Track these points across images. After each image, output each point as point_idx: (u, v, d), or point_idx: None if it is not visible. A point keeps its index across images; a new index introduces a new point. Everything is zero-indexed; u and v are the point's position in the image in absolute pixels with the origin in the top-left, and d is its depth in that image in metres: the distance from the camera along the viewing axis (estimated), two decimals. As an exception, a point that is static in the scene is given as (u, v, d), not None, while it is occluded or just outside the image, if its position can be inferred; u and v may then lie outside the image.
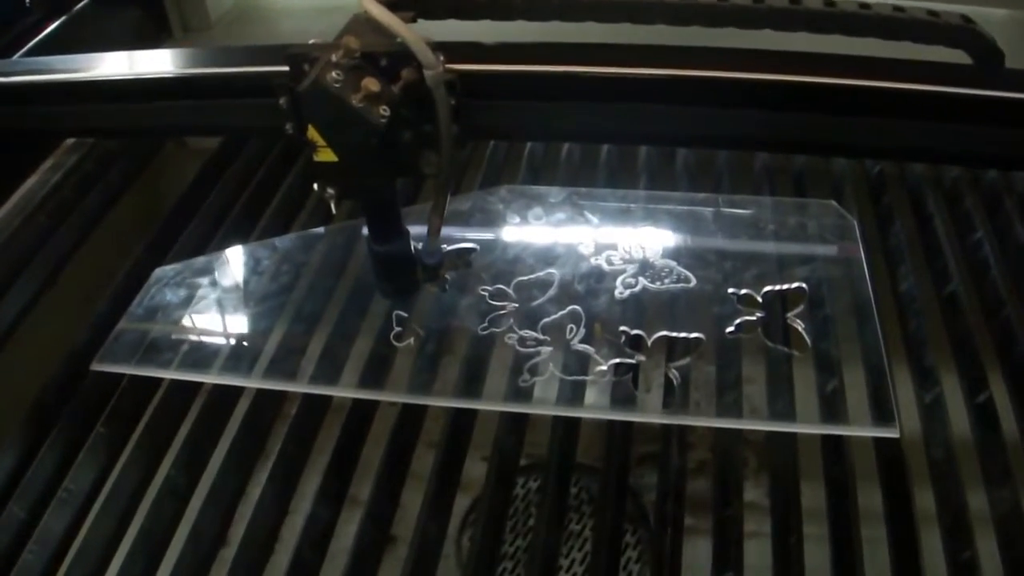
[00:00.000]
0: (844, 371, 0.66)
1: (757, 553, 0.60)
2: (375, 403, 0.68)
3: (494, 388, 0.65)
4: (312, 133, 0.57)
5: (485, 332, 0.69)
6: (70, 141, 0.97)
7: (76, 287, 0.87)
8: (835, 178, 0.92)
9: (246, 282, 0.77)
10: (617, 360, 0.66)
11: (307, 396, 0.67)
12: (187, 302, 0.76)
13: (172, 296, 0.76)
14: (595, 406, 0.63)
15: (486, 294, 0.72)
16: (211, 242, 0.83)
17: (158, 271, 0.78)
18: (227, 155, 0.95)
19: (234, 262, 0.79)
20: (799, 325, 0.70)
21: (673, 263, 0.74)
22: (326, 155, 0.59)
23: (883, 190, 0.89)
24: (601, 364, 0.66)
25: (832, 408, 0.64)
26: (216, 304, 0.75)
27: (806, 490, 0.62)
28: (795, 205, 0.83)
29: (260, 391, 0.68)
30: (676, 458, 0.64)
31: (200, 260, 0.80)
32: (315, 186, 0.61)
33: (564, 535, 0.72)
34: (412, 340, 0.69)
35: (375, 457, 0.65)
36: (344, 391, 0.66)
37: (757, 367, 0.68)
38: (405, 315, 0.70)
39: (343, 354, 0.69)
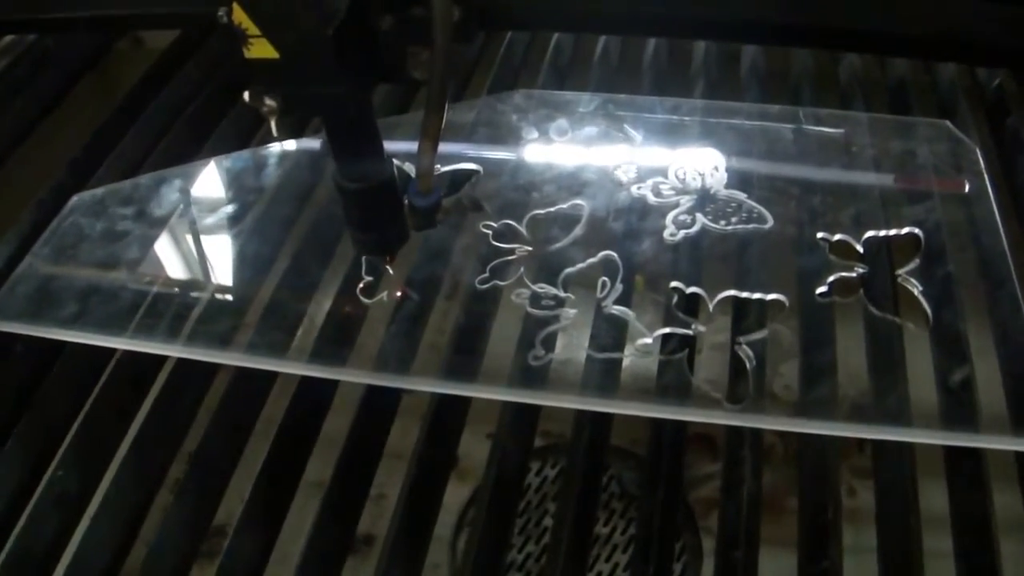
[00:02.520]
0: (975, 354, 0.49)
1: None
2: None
3: (495, 366, 0.49)
4: (239, 15, 0.40)
5: (485, 286, 0.52)
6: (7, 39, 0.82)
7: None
8: (942, 93, 0.73)
9: (180, 213, 0.60)
10: (667, 330, 0.49)
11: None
12: (105, 239, 0.59)
13: (88, 230, 0.60)
14: (634, 398, 0.46)
15: (489, 232, 0.54)
16: (148, 161, 0.67)
17: (76, 198, 0.62)
18: (180, 54, 0.78)
19: (168, 187, 0.62)
20: (913, 286, 0.51)
21: (742, 196, 0.56)
22: (262, 49, 0.41)
23: (1004, 109, 0.70)
24: (644, 335, 0.49)
25: (960, 408, 0.47)
26: (139, 242, 0.58)
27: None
28: (898, 124, 0.65)
29: (183, 361, 0.51)
30: (747, 448, 0.47)
31: (127, 184, 0.63)
32: (246, 95, 0.43)
33: (590, 539, 0.56)
34: (386, 295, 0.51)
35: (340, 430, 0.51)
36: (291, 366, 0.49)
37: (857, 344, 0.51)
38: (378, 260, 0.52)
39: (294, 313, 0.52)
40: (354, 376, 0.48)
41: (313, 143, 0.63)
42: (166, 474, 0.50)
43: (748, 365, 0.47)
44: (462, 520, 0.68)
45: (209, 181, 0.62)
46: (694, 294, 0.50)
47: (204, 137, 0.68)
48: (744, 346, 0.47)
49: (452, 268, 0.53)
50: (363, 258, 0.53)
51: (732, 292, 0.50)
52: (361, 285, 0.52)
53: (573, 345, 0.49)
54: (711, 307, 0.50)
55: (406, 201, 0.49)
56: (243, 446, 0.51)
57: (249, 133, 0.68)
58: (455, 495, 0.68)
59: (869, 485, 0.60)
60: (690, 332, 0.48)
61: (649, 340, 0.48)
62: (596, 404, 0.46)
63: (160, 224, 0.60)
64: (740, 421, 0.44)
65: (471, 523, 0.69)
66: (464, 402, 0.52)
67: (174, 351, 0.51)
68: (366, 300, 0.52)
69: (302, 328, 0.52)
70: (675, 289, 0.50)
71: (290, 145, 0.63)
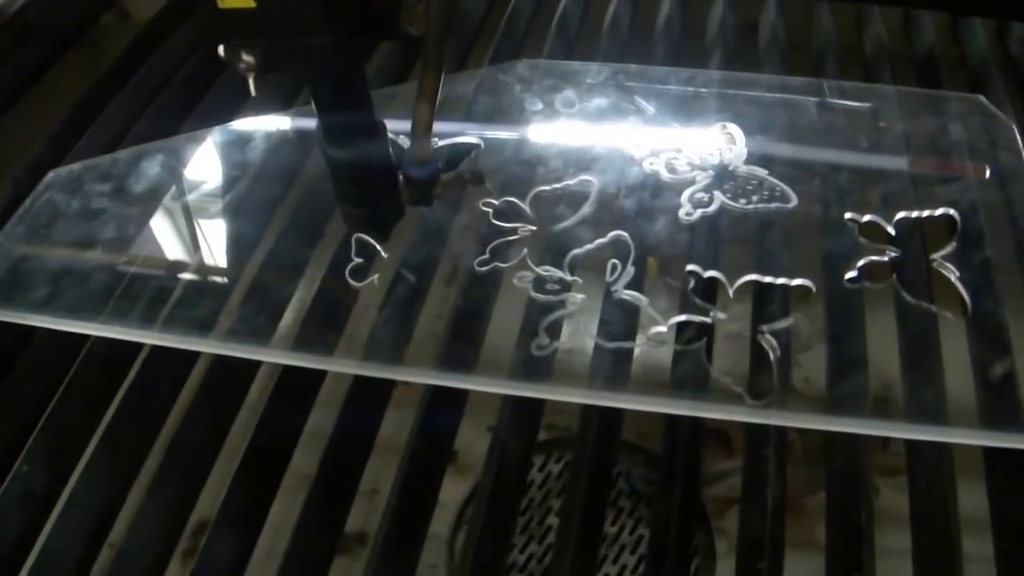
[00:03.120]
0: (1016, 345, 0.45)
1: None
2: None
3: (495, 356, 0.45)
4: (210, -45, 0.36)
5: (485, 268, 0.48)
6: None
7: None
8: (972, 66, 0.69)
9: (160, 190, 0.56)
10: (682, 317, 0.45)
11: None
12: (80, 218, 0.55)
13: (64, 209, 0.56)
14: (647, 391, 0.42)
15: (489, 211, 0.50)
16: (130, 134, 0.63)
17: (52, 174, 0.58)
18: (165, 24, 0.74)
19: (148, 162, 0.58)
20: (949, 272, 0.47)
21: (763, 172, 0.52)
22: (237, -3, 0.37)
23: (1039, 83, 0.66)
24: (658, 323, 0.44)
25: (1003, 405, 0.43)
26: (115, 221, 0.54)
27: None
28: (928, 98, 0.61)
29: (160, 347, 0.48)
30: (771, 447, 0.43)
31: (105, 159, 0.59)
32: (221, 50, 0.39)
33: (599, 540, 0.52)
34: (376, 278, 0.47)
35: (328, 420, 0.47)
36: (274, 354, 0.45)
37: (889, 333, 0.47)
38: (368, 240, 0.48)
39: (278, 297, 0.48)
40: (342, 366, 0.44)
41: (304, 115, 0.59)
42: (140, 468, 0.46)
43: (772, 356, 0.42)
44: (460, 518, 0.64)
45: (192, 156, 0.58)
46: (712, 278, 0.46)
47: (189, 109, 0.64)
48: (767, 335, 0.43)
49: (449, 249, 0.49)
50: (353, 238, 0.49)
51: (754, 276, 0.46)
52: (350, 267, 0.48)
53: (580, 333, 0.45)
54: (731, 292, 0.46)
55: (401, 177, 0.45)
56: (223, 438, 0.48)
57: (237, 105, 0.64)
58: (453, 491, 0.64)
59: (893, 483, 0.57)
60: (708, 320, 0.44)
61: (663, 328, 0.44)
62: (605, 398, 0.42)
63: (139, 202, 0.56)
64: (764, 418, 0.40)
65: (470, 521, 0.66)
66: (463, 391, 0.48)
67: (150, 338, 0.47)
68: (355, 283, 0.48)
69: (287, 313, 0.48)
70: (691, 273, 0.46)
71: (279, 117, 0.59)
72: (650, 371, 0.43)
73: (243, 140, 0.58)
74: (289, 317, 0.47)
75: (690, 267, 0.46)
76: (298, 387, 0.48)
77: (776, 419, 0.40)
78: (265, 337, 0.46)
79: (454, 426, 0.49)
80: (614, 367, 0.43)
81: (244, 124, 0.59)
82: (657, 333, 0.44)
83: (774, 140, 0.54)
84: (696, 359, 0.43)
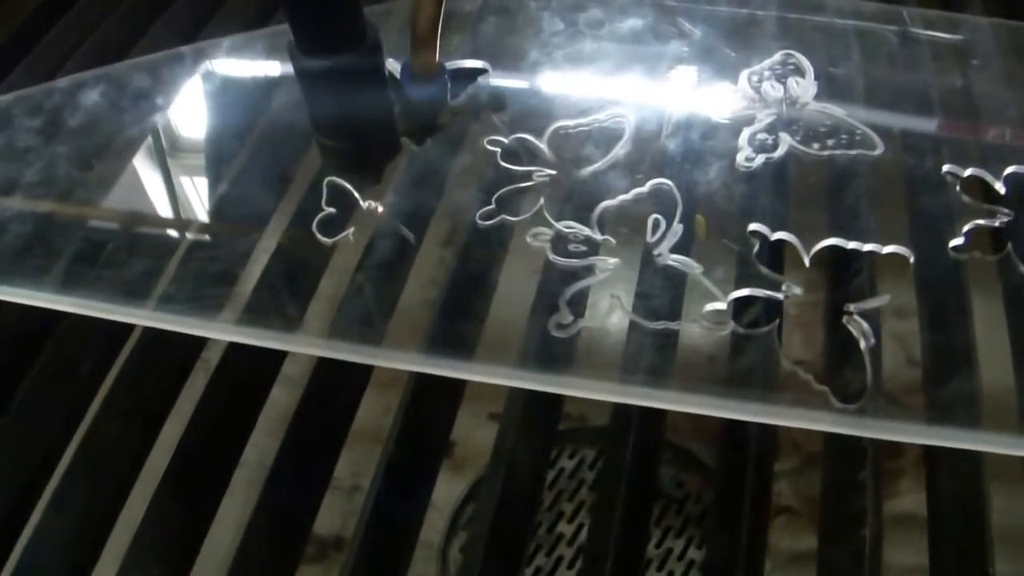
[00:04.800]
0: None
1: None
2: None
3: (502, 337, 0.36)
4: None
5: (490, 222, 0.39)
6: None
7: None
8: None
9: (98, 127, 0.48)
10: (745, 291, 0.36)
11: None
12: (3, 158, 0.47)
13: (-13, 146, 0.48)
14: (698, 388, 0.32)
15: (497, 151, 0.41)
16: (71, 60, 0.55)
17: None
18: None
19: (87, 93, 0.50)
20: (1074, 239, 0.38)
21: (840, 112, 0.42)
22: None
23: None
24: (717, 299, 0.35)
25: None
26: (42, 162, 0.46)
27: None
28: None
29: (81, 318, 0.39)
30: (867, 470, 0.33)
31: (39, 90, 0.50)
32: None
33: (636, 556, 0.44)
34: (352, 232, 0.38)
35: (289, 400, 0.39)
36: (218, 329, 0.36)
37: (997, 317, 0.37)
38: (344, 184, 0.39)
39: (229, 256, 0.39)
40: (303, 346, 0.35)
41: (274, 37, 0.50)
42: (54, 468, 0.38)
43: (864, 344, 0.33)
44: (456, 522, 0.56)
45: (137, 85, 0.49)
46: (781, 241, 0.37)
47: (139, 33, 0.56)
48: (856, 317, 0.34)
49: (445, 197, 0.40)
50: (325, 182, 0.39)
51: (835, 240, 0.36)
52: (320, 218, 0.39)
53: (612, 309, 0.36)
54: (806, 260, 0.36)
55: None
56: (158, 428, 0.39)
57: (197, 26, 0.55)
58: (447, 489, 0.56)
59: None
60: (779, 295, 0.35)
61: (722, 305, 0.35)
62: (642, 396, 0.33)
63: (72, 139, 0.47)
64: (856, 428, 0.31)
65: (469, 525, 0.57)
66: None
67: (70, 304, 0.39)
68: (326, 240, 0.38)
69: (239, 277, 0.38)
70: (755, 234, 0.37)
71: (243, 38, 0.50)
72: (702, 361, 0.34)
73: (198, 66, 0.49)
74: (241, 282, 0.38)
75: (753, 226, 0.37)
76: (252, 365, 0.39)
77: (872, 430, 0.30)
78: (210, 307, 0.37)
79: (451, 411, 0.41)
80: (657, 354, 0.34)
81: (200, 48, 0.50)
82: (713, 311, 0.35)
83: (853, 74, 0.45)
84: (764, 346, 0.33)
